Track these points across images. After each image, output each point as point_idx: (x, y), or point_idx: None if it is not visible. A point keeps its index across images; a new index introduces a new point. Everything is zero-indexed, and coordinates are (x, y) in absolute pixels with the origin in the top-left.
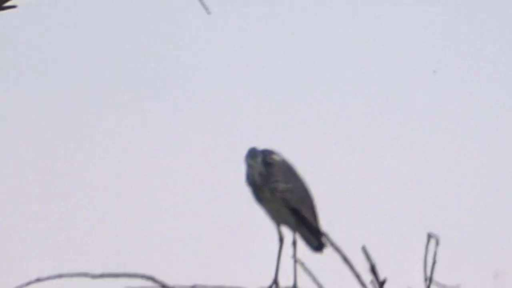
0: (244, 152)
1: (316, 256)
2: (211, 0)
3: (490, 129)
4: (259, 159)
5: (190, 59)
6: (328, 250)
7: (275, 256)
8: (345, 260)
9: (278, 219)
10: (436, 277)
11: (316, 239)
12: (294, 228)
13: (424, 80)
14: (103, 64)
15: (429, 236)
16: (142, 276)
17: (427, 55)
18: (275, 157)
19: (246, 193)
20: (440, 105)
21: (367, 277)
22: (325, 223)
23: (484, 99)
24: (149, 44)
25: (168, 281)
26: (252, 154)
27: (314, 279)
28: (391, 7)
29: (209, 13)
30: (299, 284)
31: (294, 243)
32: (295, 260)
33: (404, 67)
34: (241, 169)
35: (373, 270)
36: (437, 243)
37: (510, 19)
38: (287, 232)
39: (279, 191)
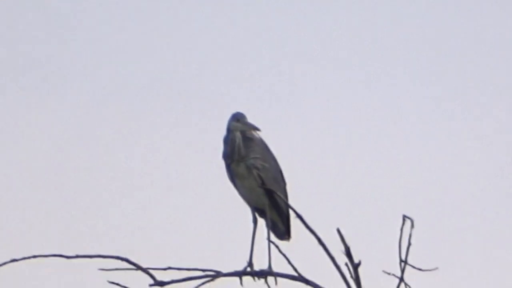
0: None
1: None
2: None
3: (462, 113)
4: (243, 122)
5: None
6: (302, 232)
7: (250, 238)
8: (320, 242)
9: (250, 199)
10: (411, 260)
11: (284, 225)
12: (267, 210)
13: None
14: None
15: (404, 219)
16: (117, 258)
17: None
18: (254, 133)
19: (222, 175)
20: (414, 89)
21: (342, 260)
22: (299, 206)
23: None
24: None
25: (142, 263)
26: (238, 116)
27: (289, 262)
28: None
29: None
30: (273, 266)
31: (268, 225)
32: (270, 242)
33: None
34: (217, 149)
35: (347, 253)
36: (412, 226)
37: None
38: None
39: (256, 168)
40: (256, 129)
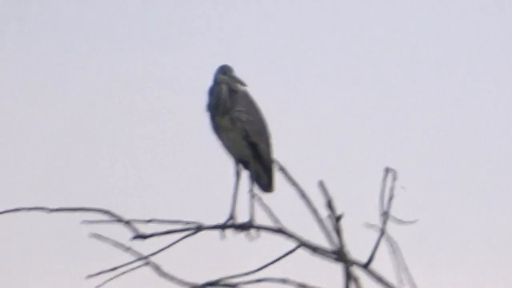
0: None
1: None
2: None
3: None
4: (229, 75)
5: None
6: (285, 185)
7: (232, 191)
8: (302, 195)
9: (234, 151)
10: (393, 212)
11: (267, 177)
12: (251, 162)
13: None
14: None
15: (386, 171)
16: (99, 210)
17: None
18: (240, 85)
19: (205, 126)
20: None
21: (324, 212)
22: (282, 158)
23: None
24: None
25: (125, 215)
26: (225, 69)
27: (271, 214)
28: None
29: None
30: (256, 219)
31: (252, 178)
32: (252, 195)
33: None
34: (200, 100)
35: (329, 205)
36: (394, 178)
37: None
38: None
39: (240, 120)
40: (242, 83)
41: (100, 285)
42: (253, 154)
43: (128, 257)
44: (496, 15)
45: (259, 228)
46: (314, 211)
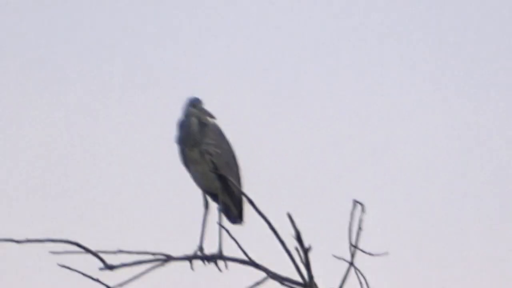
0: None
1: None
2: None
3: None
4: (199, 108)
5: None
6: (253, 217)
7: (200, 222)
8: (270, 227)
9: (203, 183)
10: (361, 245)
11: (236, 209)
12: (220, 194)
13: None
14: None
15: (355, 203)
16: (67, 242)
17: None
18: (209, 118)
19: (175, 158)
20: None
21: (292, 245)
22: (250, 191)
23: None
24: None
25: (92, 246)
26: (194, 102)
27: (239, 246)
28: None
29: None
30: (224, 251)
31: (220, 210)
32: (221, 227)
33: None
34: (170, 131)
35: (298, 237)
36: (362, 211)
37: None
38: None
39: (209, 153)
40: (212, 116)
41: None
42: (222, 186)
43: None
44: (496, 15)
45: (227, 259)
46: (283, 243)
